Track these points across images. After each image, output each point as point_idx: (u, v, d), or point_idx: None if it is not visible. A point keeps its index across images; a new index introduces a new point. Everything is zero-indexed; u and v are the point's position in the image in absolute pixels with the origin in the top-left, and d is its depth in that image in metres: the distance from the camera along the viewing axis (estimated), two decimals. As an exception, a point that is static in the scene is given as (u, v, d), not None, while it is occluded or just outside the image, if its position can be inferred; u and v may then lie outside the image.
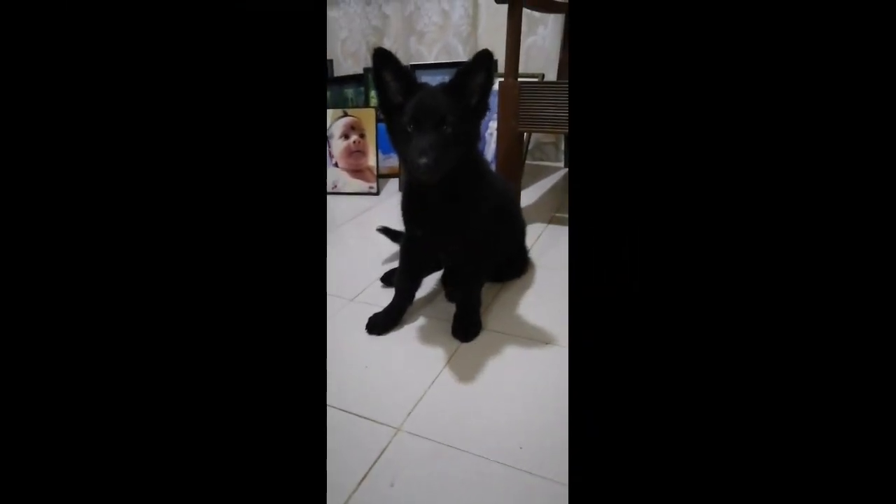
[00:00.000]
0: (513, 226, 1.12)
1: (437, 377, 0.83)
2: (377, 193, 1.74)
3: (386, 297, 1.07)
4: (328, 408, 0.76)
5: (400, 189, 1.70)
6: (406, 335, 0.95)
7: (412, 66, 2.00)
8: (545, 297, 1.07)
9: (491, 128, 1.78)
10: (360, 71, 2.15)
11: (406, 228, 0.95)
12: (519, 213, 1.16)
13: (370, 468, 0.66)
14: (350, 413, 0.75)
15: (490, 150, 1.78)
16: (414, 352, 0.90)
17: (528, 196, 1.66)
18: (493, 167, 1.37)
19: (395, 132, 0.80)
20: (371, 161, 1.75)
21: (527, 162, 1.98)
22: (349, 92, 2.16)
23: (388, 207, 1.60)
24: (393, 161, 1.81)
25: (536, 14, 1.82)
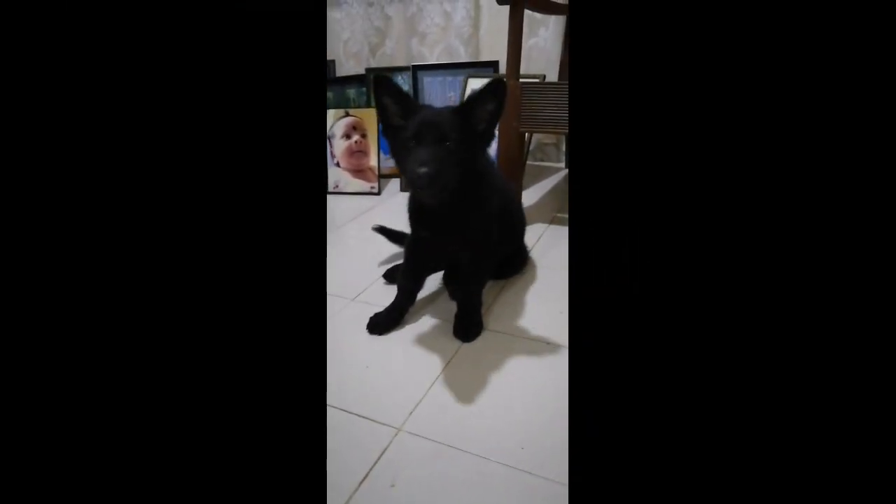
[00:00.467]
0: (514, 223, 1.12)
1: (438, 377, 0.83)
2: (378, 193, 1.75)
3: (387, 296, 1.07)
4: (329, 408, 0.76)
5: (402, 190, 1.70)
6: (407, 335, 0.95)
7: (414, 67, 2.00)
8: (546, 297, 1.07)
9: (492, 128, 1.78)
10: (362, 71, 2.16)
11: (412, 230, 0.96)
12: (520, 209, 1.16)
13: (371, 468, 0.66)
14: (350, 413, 0.75)
15: (491, 150, 1.78)
16: (415, 352, 0.90)
17: (529, 196, 1.66)
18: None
19: (397, 148, 0.82)
20: (372, 161, 1.75)
21: (528, 162, 1.97)
22: (351, 92, 2.16)
23: (390, 207, 1.60)
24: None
25: (538, 16, 1.82)
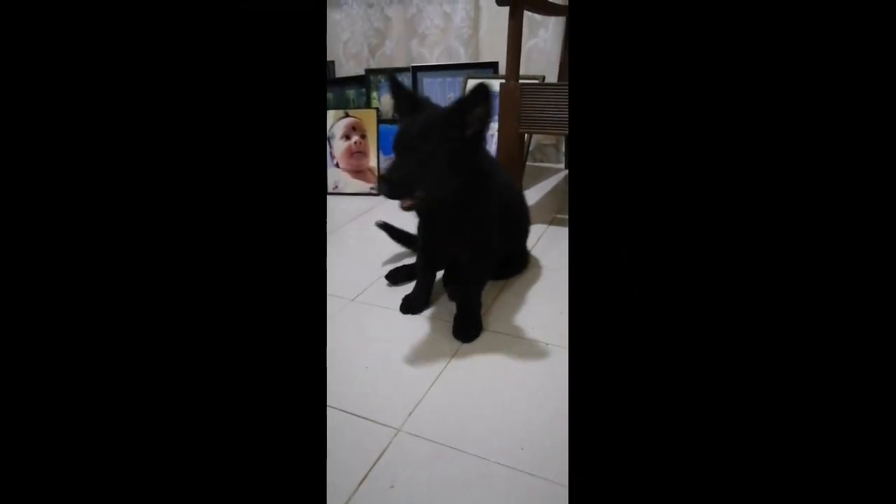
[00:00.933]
0: (517, 219, 1.13)
1: (438, 378, 0.83)
2: (378, 194, 1.75)
3: (387, 296, 1.07)
4: (328, 408, 0.76)
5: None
6: (406, 336, 0.95)
7: (414, 68, 2.00)
8: (546, 297, 1.07)
9: (492, 129, 1.78)
10: (362, 72, 2.16)
11: (421, 238, 1.01)
12: (523, 206, 1.16)
13: (370, 469, 0.66)
14: (350, 414, 0.75)
15: (491, 151, 1.78)
16: (414, 352, 0.90)
17: (529, 197, 1.66)
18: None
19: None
20: (372, 162, 1.75)
21: (527, 163, 1.98)
22: (351, 93, 2.16)
23: (389, 208, 1.60)
24: (394, 162, 1.81)
25: (537, 17, 1.82)
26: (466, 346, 0.91)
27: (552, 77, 1.86)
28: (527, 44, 1.87)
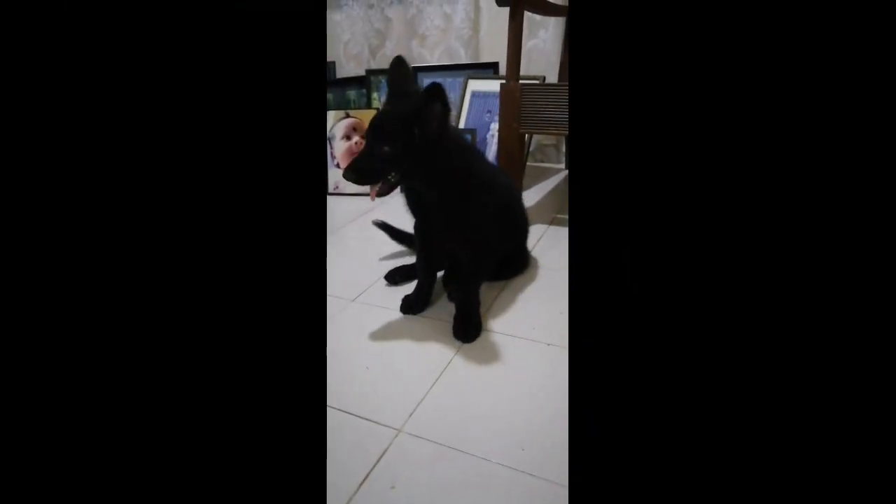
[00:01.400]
0: (515, 222, 1.13)
1: (439, 378, 0.83)
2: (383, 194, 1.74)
3: (387, 297, 1.07)
4: (328, 409, 0.76)
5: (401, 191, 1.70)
6: (406, 336, 0.95)
7: (414, 68, 2.00)
8: (546, 297, 1.07)
9: (492, 129, 1.78)
10: (363, 73, 2.16)
11: (417, 238, 1.03)
12: (522, 209, 1.16)
13: (371, 470, 0.66)
14: (350, 414, 0.75)
15: (491, 151, 1.78)
16: (414, 353, 0.90)
17: (530, 197, 1.66)
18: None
19: None
20: (372, 163, 1.75)
21: (528, 163, 1.98)
22: (351, 94, 2.16)
23: (389, 209, 1.60)
24: (394, 163, 1.81)
25: (537, 17, 1.82)
26: (467, 346, 0.91)
27: (552, 77, 1.86)
28: (527, 44, 1.87)
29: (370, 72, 2.14)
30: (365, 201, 1.69)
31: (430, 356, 0.89)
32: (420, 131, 0.81)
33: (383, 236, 1.27)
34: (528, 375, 0.83)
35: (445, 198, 0.88)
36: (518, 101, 1.29)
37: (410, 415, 0.75)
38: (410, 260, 1.18)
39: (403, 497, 0.62)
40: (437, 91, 0.79)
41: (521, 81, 1.31)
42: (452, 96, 1.96)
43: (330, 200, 1.70)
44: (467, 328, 0.93)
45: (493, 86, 1.74)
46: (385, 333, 0.96)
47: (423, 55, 2.08)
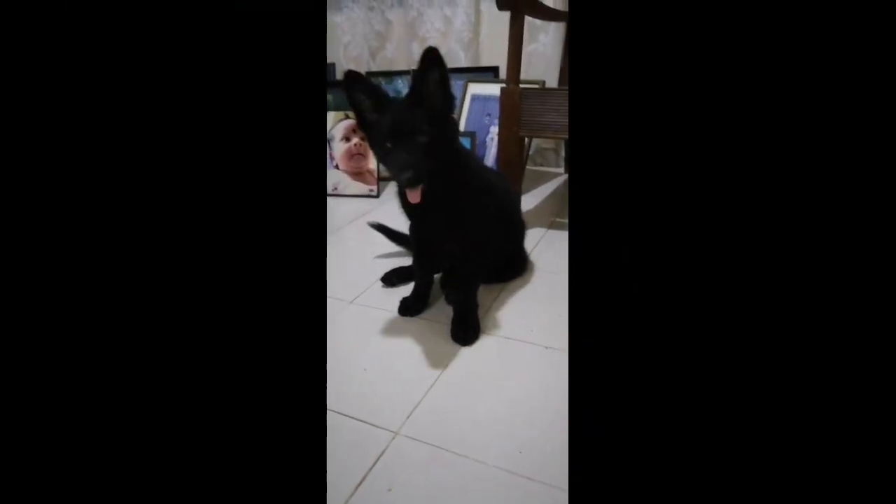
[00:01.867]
0: (512, 224, 1.13)
1: (436, 381, 0.83)
2: (377, 196, 1.75)
3: (385, 299, 1.07)
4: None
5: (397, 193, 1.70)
6: (405, 338, 0.95)
7: (413, 71, 2.00)
8: (545, 300, 1.07)
9: (492, 132, 1.79)
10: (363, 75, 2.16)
11: (413, 239, 1.03)
12: (518, 211, 1.17)
13: (367, 472, 0.66)
14: (347, 416, 0.75)
15: (491, 154, 1.78)
16: (412, 355, 0.90)
17: (529, 201, 1.66)
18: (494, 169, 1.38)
19: (376, 148, 0.85)
20: (372, 164, 1.75)
21: (527, 167, 1.98)
22: (351, 96, 2.16)
23: (389, 210, 1.60)
24: (394, 165, 1.81)
25: (538, 21, 1.83)
26: (465, 348, 0.91)
27: (552, 82, 1.86)
28: (527, 48, 1.87)
29: (370, 74, 2.14)
30: (364, 202, 1.70)
31: (427, 358, 0.89)
32: (427, 108, 0.80)
33: (382, 238, 1.28)
34: (525, 378, 0.83)
35: (441, 197, 0.87)
36: (518, 104, 1.30)
37: (408, 417, 0.75)
38: (407, 261, 1.18)
39: (400, 500, 0.62)
40: (433, 57, 0.78)
41: (521, 85, 1.32)
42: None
43: (329, 202, 1.71)
44: (465, 331, 0.93)
45: (493, 89, 1.74)
46: (383, 335, 0.96)
47: (424, 58, 2.08)
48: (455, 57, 2.02)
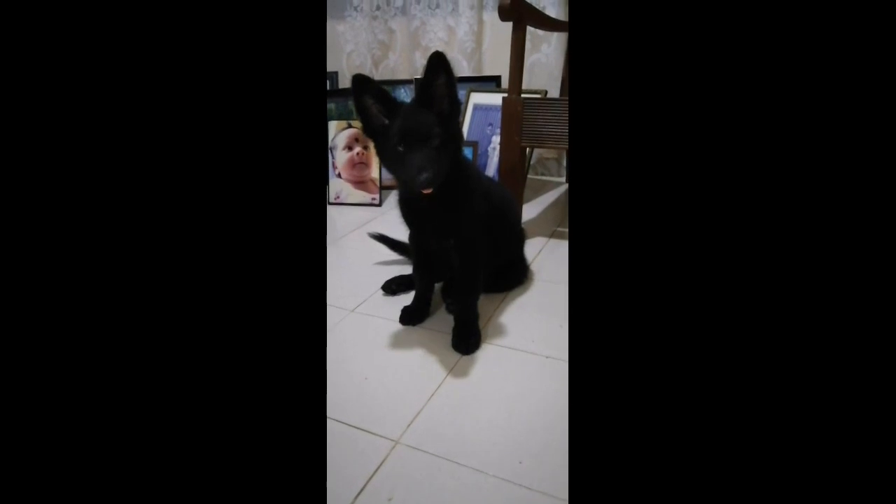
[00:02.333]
0: (511, 232, 1.13)
1: (437, 390, 0.82)
2: (379, 205, 1.75)
3: (386, 307, 1.07)
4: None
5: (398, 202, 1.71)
6: (406, 347, 0.95)
7: (416, 80, 2.02)
8: (546, 310, 1.07)
9: (494, 142, 1.79)
10: (365, 84, 2.17)
11: (413, 247, 1.03)
12: (517, 219, 1.17)
13: (368, 481, 0.65)
14: (348, 425, 0.75)
15: (493, 164, 1.79)
16: (413, 364, 0.90)
17: (530, 210, 1.67)
18: (495, 179, 1.39)
19: (385, 153, 0.85)
20: (374, 173, 1.76)
21: (529, 176, 1.99)
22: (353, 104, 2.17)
23: (390, 219, 1.60)
24: (396, 173, 1.82)
25: (540, 32, 1.84)
26: (465, 358, 0.91)
27: (554, 92, 1.87)
28: (529, 58, 1.89)
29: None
30: (366, 211, 1.70)
31: (428, 368, 0.88)
32: (436, 111, 0.81)
33: (383, 246, 1.28)
34: (526, 388, 0.83)
35: (442, 201, 0.87)
36: (520, 114, 1.30)
37: (408, 426, 0.75)
38: (408, 269, 1.18)
39: (400, 509, 0.62)
40: (440, 61, 0.78)
41: (523, 95, 1.32)
42: (454, 108, 1.97)
43: (331, 210, 1.71)
44: (466, 340, 0.93)
45: (496, 99, 1.75)
46: (384, 344, 0.96)
47: (426, 67, 2.09)
48: (458, 66, 2.03)
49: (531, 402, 0.79)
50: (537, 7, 1.57)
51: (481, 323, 0.99)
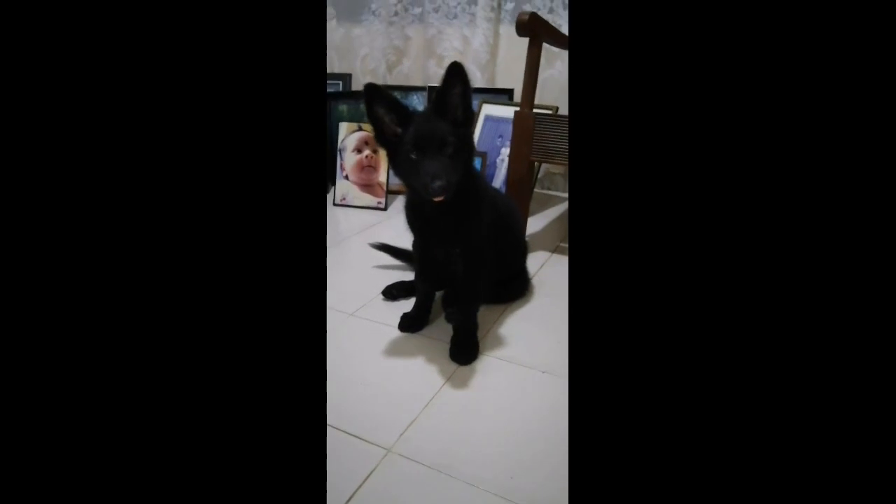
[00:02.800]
0: (515, 243, 1.13)
1: (432, 400, 0.82)
2: (385, 209, 1.75)
3: (386, 312, 1.07)
4: (320, 422, 0.75)
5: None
6: (403, 354, 0.95)
7: (430, 87, 2.03)
8: (546, 324, 1.07)
9: (503, 154, 1.80)
10: (378, 88, 2.18)
11: (413, 234, 1.01)
12: (522, 232, 1.17)
13: (357, 489, 0.65)
14: (340, 430, 0.75)
15: (501, 175, 1.79)
16: (410, 372, 0.90)
17: (535, 224, 1.67)
18: (502, 191, 1.39)
19: (398, 161, 0.84)
20: (381, 177, 1.76)
21: (535, 190, 1.99)
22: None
23: (395, 224, 1.61)
24: (403, 179, 1.82)
25: (555, 49, 1.85)
26: (463, 368, 0.91)
27: (565, 108, 1.88)
28: (543, 74, 1.90)
29: (386, 87, 2.16)
30: (372, 215, 1.70)
31: (425, 377, 0.88)
32: (449, 120, 0.82)
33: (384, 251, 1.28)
34: (521, 403, 0.83)
35: (450, 209, 0.87)
36: (531, 129, 1.31)
37: (401, 435, 0.74)
38: (409, 275, 1.18)
39: (389, 519, 0.61)
40: (457, 71, 0.79)
41: (534, 110, 1.33)
42: (465, 118, 1.98)
43: (337, 212, 1.71)
44: (464, 351, 0.93)
45: (507, 112, 1.76)
46: (381, 350, 0.96)
47: (440, 75, 2.10)
48: (471, 77, 2.03)
49: (526, 416, 0.79)
50: (553, 25, 1.58)
51: (480, 334, 0.99)
